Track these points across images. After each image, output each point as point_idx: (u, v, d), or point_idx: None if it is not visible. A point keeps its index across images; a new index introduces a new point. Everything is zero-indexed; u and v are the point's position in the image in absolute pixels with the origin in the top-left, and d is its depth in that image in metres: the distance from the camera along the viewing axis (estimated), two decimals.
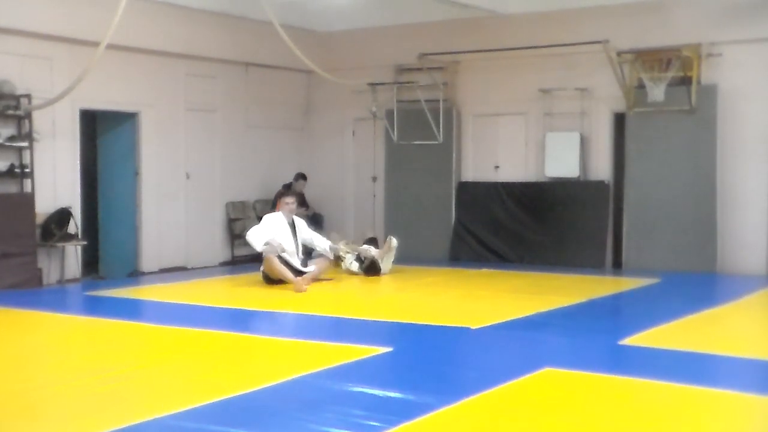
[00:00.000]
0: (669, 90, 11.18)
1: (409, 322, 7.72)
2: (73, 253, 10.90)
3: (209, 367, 6.02)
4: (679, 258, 11.26)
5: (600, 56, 11.50)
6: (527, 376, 5.56)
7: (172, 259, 12.14)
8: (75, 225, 10.74)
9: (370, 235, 11.72)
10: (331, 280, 10.34)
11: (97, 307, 8.88)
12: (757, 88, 10.96)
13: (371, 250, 11.05)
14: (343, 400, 4.99)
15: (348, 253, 11.11)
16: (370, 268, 10.85)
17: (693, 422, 4.65)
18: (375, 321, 7.85)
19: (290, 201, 10.37)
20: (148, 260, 11.86)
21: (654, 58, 11.24)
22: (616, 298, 9.47)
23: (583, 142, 12.10)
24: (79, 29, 10.54)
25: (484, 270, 11.49)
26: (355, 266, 11.02)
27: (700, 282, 10.44)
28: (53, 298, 9.62)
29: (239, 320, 8.03)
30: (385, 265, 10.99)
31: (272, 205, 13.36)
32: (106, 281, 11.04)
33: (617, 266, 11.85)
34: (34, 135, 10.28)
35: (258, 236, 10.02)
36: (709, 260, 11.13)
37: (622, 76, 11.48)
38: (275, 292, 9.70)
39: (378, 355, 6.23)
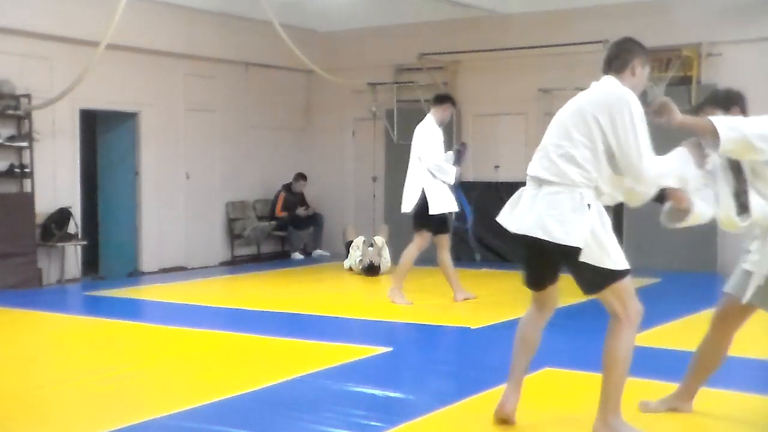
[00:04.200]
0: (669, 90, 11.16)
1: (409, 322, 7.72)
2: (73, 253, 10.90)
3: (209, 367, 6.02)
4: (679, 258, 11.25)
5: (600, 56, 11.42)
6: (527, 376, 5.56)
7: (172, 259, 12.14)
8: (75, 225, 10.74)
9: (352, 238, 11.68)
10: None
11: (97, 307, 8.88)
12: (757, 88, 10.93)
13: (369, 251, 11.10)
14: (343, 400, 4.99)
15: (358, 249, 11.12)
16: (369, 269, 10.89)
17: (693, 422, 4.65)
18: (375, 321, 7.84)
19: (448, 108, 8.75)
20: (148, 260, 11.85)
21: (654, 58, 11.21)
22: None
23: None
24: (79, 29, 10.54)
25: (484, 270, 11.48)
26: (355, 265, 11.08)
27: (700, 282, 10.43)
28: (53, 298, 9.62)
29: (239, 320, 8.03)
30: (384, 262, 11.02)
31: (272, 205, 13.39)
32: (106, 281, 11.04)
33: None
34: (34, 135, 10.28)
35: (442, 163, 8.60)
36: (709, 260, 11.13)
37: None
38: (275, 292, 9.70)
39: (378, 355, 6.23)
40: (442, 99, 8.87)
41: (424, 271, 11.36)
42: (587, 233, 4.13)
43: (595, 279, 4.23)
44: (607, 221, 4.27)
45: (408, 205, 8.74)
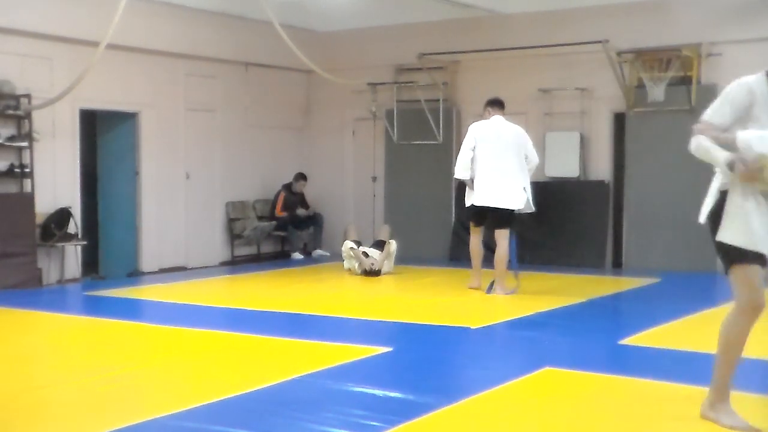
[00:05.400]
0: (669, 90, 11.19)
1: (409, 322, 7.72)
2: (73, 253, 10.90)
3: (209, 367, 6.02)
4: (679, 258, 11.26)
5: (600, 56, 11.50)
6: (527, 376, 5.57)
7: (172, 259, 12.14)
8: (75, 225, 10.74)
9: (354, 237, 11.63)
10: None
11: (97, 307, 8.88)
12: None
13: (373, 254, 11.00)
14: (343, 400, 4.99)
15: (351, 257, 11.02)
16: (369, 273, 10.83)
17: (693, 422, 4.65)
18: (375, 321, 7.84)
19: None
20: (148, 260, 11.85)
21: (654, 58, 11.24)
22: (616, 298, 9.47)
23: (583, 142, 12.10)
24: (79, 29, 10.54)
25: (485, 270, 11.47)
26: (355, 269, 11.02)
27: (700, 282, 10.43)
28: (53, 298, 9.62)
29: (239, 320, 8.03)
30: (386, 267, 10.98)
31: (272, 205, 13.39)
32: (106, 281, 11.04)
33: (617, 266, 11.84)
34: (34, 135, 10.27)
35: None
36: (709, 260, 11.10)
37: (622, 76, 11.48)
38: (275, 292, 9.70)
39: (378, 355, 6.23)
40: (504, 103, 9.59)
41: (423, 270, 11.38)
42: (707, 212, 4.47)
43: (721, 257, 4.45)
44: (750, 205, 4.33)
45: (517, 202, 9.26)
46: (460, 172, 9.38)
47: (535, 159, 9.38)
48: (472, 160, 9.25)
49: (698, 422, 4.63)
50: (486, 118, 9.45)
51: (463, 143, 9.40)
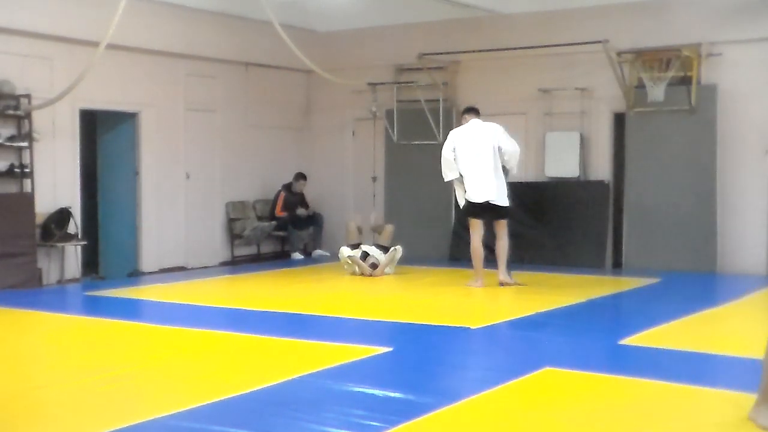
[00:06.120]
0: (669, 90, 11.18)
1: (409, 322, 7.72)
2: (73, 253, 10.90)
3: (209, 367, 6.02)
4: (679, 258, 11.25)
5: (600, 56, 11.49)
6: (527, 376, 5.57)
7: (172, 259, 12.14)
8: (75, 225, 10.74)
9: (354, 238, 11.62)
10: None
11: (97, 307, 8.88)
12: (757, 88, 10.96)
13: (373, 252, 10.98)
14: (343, 400, 4.99)
15: (350, 264, 10.97)
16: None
17: (693, 422, 4.65)
18: (375, 321, 7.85)
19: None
20: (148, 260, 11.86)
21: (654, 58, 11.24)
22: (616, 298, 9.47)
23: (583, 142, 12.10)
24: (79, 29, 10.55)
25: (485, 270, 11.46)
26: (356, 270, 11.00)
27: (700, 282, 10.44)
28: (53, 298, 9.62)
29: (239, 320, 8.03)
30: (387, 269, 10.97)
31: (272, 205, 13.39)
32: (106, 281, 11.04)
33: (617, 266, 11.84)
34: (34, 135, 10.28)
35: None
36: (709, 260, 11.13)
37: (622, 76, 11.47)
38: (275, 292, 9.70)
39: (378, 355, 6.23)
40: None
41: (423, 270, 11.37)
42: None
43: None
44: None
45: (501, 197, 9.67)
46: (448, 174, 9.84)
47: (511, 147, 9.68)
48: (455, 161, 9.66)
49: (698, 422, 4.64)
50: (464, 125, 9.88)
51: (443, 149, 9.82)
